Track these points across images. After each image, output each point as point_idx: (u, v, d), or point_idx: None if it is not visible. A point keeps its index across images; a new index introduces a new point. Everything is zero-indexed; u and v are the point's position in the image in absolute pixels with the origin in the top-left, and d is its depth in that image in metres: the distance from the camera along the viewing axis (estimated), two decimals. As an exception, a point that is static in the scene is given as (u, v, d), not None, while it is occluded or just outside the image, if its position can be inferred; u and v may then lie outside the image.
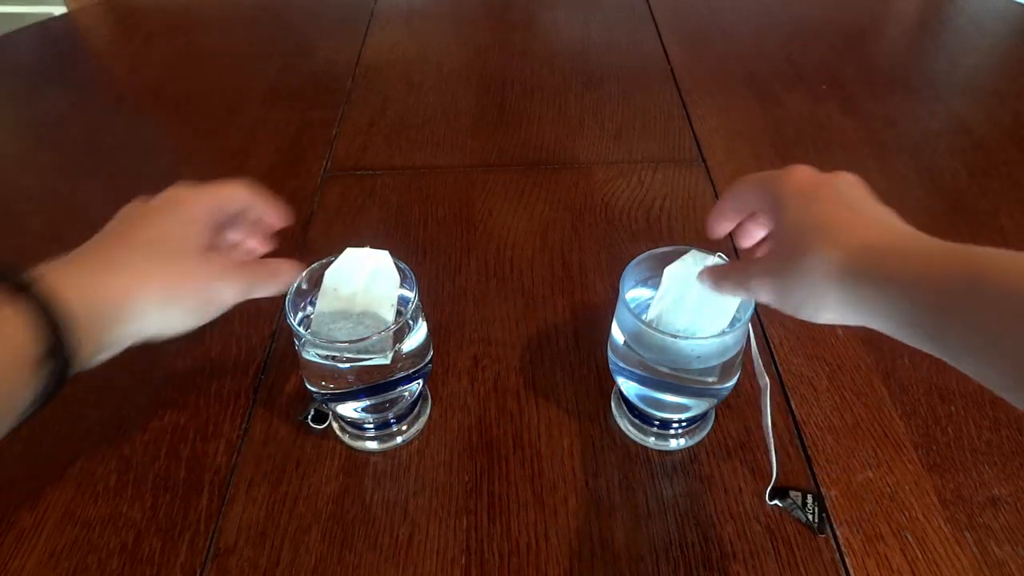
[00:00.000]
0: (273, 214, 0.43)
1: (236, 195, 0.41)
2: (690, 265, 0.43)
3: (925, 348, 0.29)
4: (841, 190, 0.35)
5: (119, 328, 0.33)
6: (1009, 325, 0.25)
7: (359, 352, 0.42)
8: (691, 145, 0.77)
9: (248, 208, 0.42)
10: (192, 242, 0.37)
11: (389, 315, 0.43)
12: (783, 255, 0.35)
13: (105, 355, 0.34)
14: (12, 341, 0.28)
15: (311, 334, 0.42)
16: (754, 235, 0.42)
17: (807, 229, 0.34)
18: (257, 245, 0.45)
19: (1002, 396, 0.26)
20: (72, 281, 0.31)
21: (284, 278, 0.41)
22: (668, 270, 0.43)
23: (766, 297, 0.36)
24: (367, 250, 0.44)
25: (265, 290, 0.40)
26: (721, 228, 0.42)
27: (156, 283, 0.34)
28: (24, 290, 0.29)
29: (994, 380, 0.26)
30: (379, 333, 0.41)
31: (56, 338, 0.29)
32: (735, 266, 0.39)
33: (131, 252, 0.34)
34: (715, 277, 0.40)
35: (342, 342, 0.41)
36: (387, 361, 0.43)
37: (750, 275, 0.37)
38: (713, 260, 0.42)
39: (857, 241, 0.32)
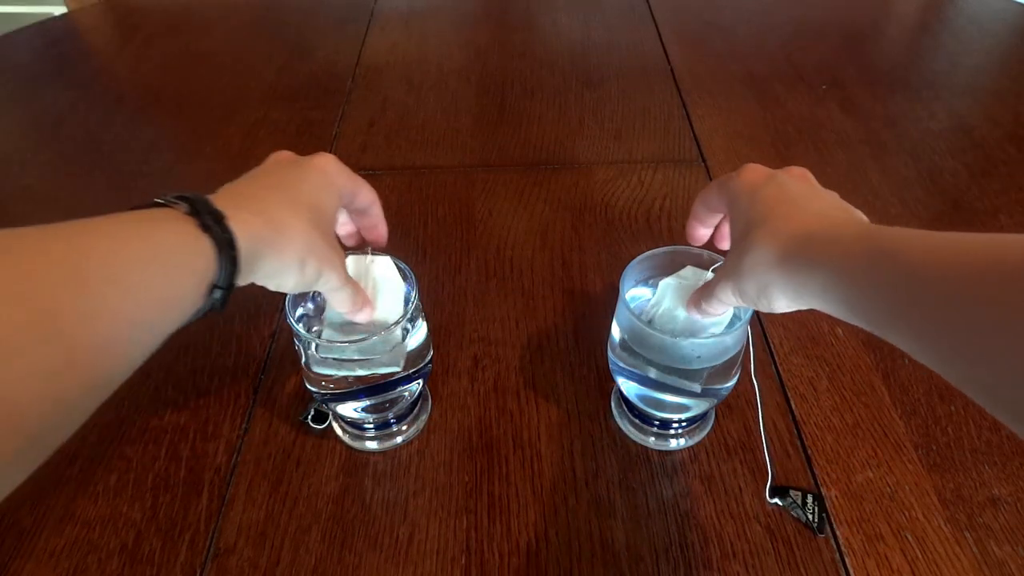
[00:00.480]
0: (382, 229, 0.45)
1: (368, 194, 0.43)
2: (685, 279, 0.43)
3: (859, 325, 0.30)
4: (784, 184, 0.37)
5: (257, 272, 0.35)
6: (916, 298, 0.26)
7: (370, 370, 0.43)
8: (691, 145, 0.77)
9: (367, 208, 0.44)
10: (332, 219, 0.39)
11: (398, 326, 0.43)
12: (736, 254, 0.36)
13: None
14: (199, 268, 0.31)
15: (321, 350, 0.42)
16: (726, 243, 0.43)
17: (751, 225, 0.35)
18: (345, 237, 0.46)
19: (929, 367, 0.27)
20: (246, 224, 0.33)
21: (360, 315, 0.42)
22: (663, 282, 0.43)
23: (732, 298, 0.37)
24: (368, 257, 0.44)
25: (341, 304, 0.41)
26: (698, 234, 0.44)
27: (300, 248, 0.36)
28: (217, 223, 0.31)
29: (916, 351, 0.27)
30: (389, 352, 0.42)
31: (230, 272, 0.32)
32: (704, 284, 0.41)
33: (291, 211, 0.36)
34: (695, 304, 0.41)
35: (350, 360, 0.42)
36: (399, 368, 0.43)
37: (713, 285, 0.39)
38: (708, 276, 0.42)
39: (792, 231, 0.33)
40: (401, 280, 0.44)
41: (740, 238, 0.36)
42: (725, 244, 0.44)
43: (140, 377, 0.53)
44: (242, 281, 0.34)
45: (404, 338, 0.44)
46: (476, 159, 0.76)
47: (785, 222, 0.34)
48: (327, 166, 0.40)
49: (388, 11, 1.06)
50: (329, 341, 0.42)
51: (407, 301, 0.44)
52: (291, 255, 0.35)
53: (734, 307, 0.42)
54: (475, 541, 0.44)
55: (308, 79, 0.90)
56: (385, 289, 0.43)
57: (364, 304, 0.42)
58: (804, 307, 0.34)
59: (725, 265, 0.38)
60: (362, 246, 0.46)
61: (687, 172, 0.73)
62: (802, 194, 0.36)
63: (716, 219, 0.43)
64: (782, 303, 0.35)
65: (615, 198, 0.70)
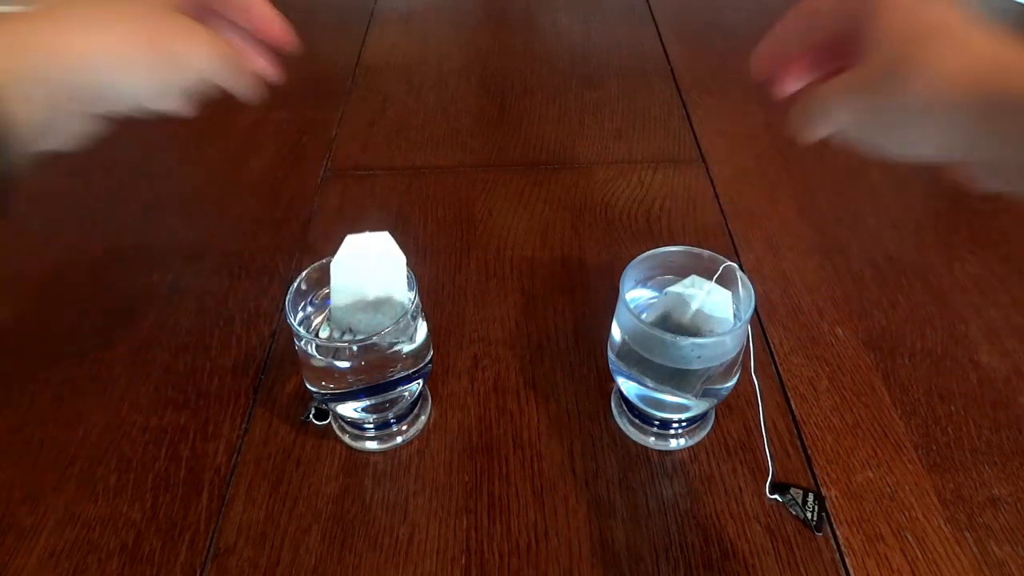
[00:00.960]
0: (269, 14, 0.37)
1: None
2: (687, 288, 0.43)
3: None
4: (957, 4, 0.30)
5: (55, 81, 0.29)
6: None
7: (388, 341, 0.43)
8: (691, 145, 0.77)
9: None
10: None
11: (404, 297, 0.43)
12: (879, 68, 0.29)
13: (53, 115, 0.30)
14: None
15: (333, 326, 0.42)
16: (796, 83, 0.36)
17: (919, 37, 0.28)
18: (248, 53, 0.38)
19: None
20: None
21: (249, 82, 0.35)
22: (669, 291, 0.43)
23: (845, 120, 0.31)
24: (366, 234, 0.44)
25: (235, 78, 0.34)
26: (768, 65, 0.35)
27: (93, 31, 0.30)
28: None
29: None
30: (390, 327, 0.41)
31: None
32: (811, 93, 0.32)
33: (72, 4, 0.30)
34: (793, 120, 0.33)
35: (355, 343, 0.42)
36: (417, 343, 0.44)
37: (828, 96, 0.31)
38: (711, 285, 0.42)
39: (988, 54, 0.27)
40: (401, 253, 0.44)
41: (890, 50, 0.29)
42: (792, 84, 0.36)
43: (140, 377, 0.53)
44: (33, 96, 0.27)
45: (413, 315, 0.44)
46: (476, 159, 0.76)
47: (976, 42, 0.27)
48: None
49: (388, 11, 1.06)
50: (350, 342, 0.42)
51: (410, 288, 0.44)
52: (91, 47, 0.29)
53: (734, 299, 0.42)
54: (475, 541, 0.44)
55: (308, 79, 0.90)
56: (386, 265, 0.43)
57: (238, 60, 0.35)
58: (949, 152, 0.28)
59: (855, 79, 0.30)
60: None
61: (687, 172, 0.73)
62: (983, 20, 0.29)
63: (809, 44, 0.34)
64: (926, 145, 0.29)
65: (615, 198, 0.70)
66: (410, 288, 0.44)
